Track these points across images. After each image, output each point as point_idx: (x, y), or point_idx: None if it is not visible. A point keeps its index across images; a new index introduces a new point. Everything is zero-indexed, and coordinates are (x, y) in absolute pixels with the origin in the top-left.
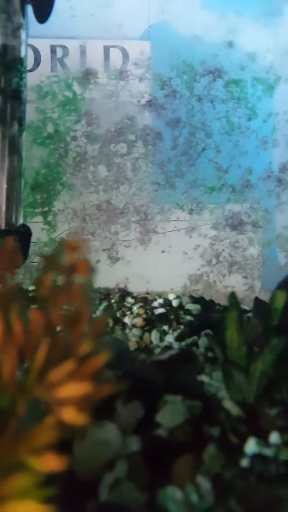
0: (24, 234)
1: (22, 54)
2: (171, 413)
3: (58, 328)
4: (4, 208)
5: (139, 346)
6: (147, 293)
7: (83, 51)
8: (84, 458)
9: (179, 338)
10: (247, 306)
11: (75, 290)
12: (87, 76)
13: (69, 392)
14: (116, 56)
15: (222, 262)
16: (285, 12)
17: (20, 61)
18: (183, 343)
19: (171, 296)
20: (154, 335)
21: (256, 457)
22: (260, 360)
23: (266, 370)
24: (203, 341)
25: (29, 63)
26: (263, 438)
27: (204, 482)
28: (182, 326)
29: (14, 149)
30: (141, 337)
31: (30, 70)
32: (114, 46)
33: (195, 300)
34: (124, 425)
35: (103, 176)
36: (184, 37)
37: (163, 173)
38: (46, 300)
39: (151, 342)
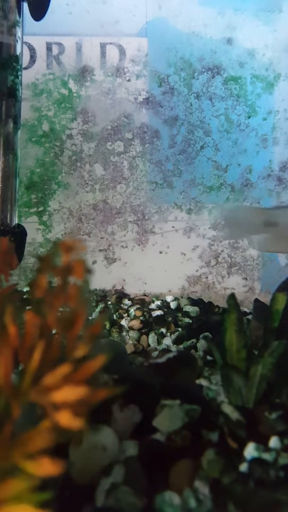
0: (19, 235)
1: (18, 51)
2: (169, 418)
3: (54, 331)
4: None
5: (136, 349)
6: (145, 294)
7: (79, 48)
8: (80, 463)
9: (177, 341)
10: (246, 308)
11: (71, 292)
12: (83, 73)
13: (65, 396)
14: (112, 53)
15: (221, 263)
16: (284, 8)
17: (16, 58)
18: (181, 346)
19: (169, 298)
20: (152, 338)
21: (255, 462)
22: (260, 363)
23: (266, 373)
24: (201, 344)
25: (25, 60)
26: (262, 442)
27: (202, 487)
28: (180, 329)
29: (9, 147)
30: (138, 340)
31: (26, 68)
32: (110, 43)
33: (193, 302)
34: (121, 429)
35: (99, 175)
36: (182, 34)
37: (160, 172)
38: (41, 302)
39: (149, 345)
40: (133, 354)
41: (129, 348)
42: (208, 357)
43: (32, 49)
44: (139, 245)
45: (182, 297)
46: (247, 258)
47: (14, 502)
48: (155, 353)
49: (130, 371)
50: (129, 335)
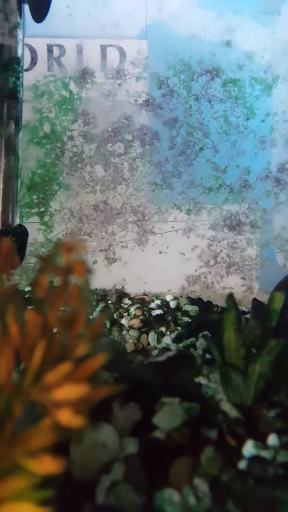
0: (20, 235)
1: (19, 53)
2: (169, 415)
3: (55, 330)
4: (0, 208)
5: (136, 347)
6: (145, 294)
7: (79, 50)
8: (81, 461)
9: (176, 340)
10: (245, 307)
11: (71, 292)
12: (84, 75)
13: (66, 394)
14: (113, 55)
15: (220, 263)
16: (283, 11)
17: (17, 60)
18: (180, 345)
19: (168, 297)
20: (152, 337)
21: (254, 459)
22: (258, 362)
23: (264, 372)
24: (201, 343)
25: (26, 62)
26: (261, 440)
27: (201, 485)
28: (179, 328)
29: (11, 149)
30: (138, 339)
31: (27, 70)
32: (111, 45)
33: (192, 301)
34: (121, 427)
35: (100, 176)
36: (181, 36)
37: (160, 173)
38: (42, 301)
39: (149, 344)
40: (133, 353)
41: (129, 347)
42: (207, 356)
43: (33, 51)
44: (139, 245)
45: (181, 297)
46: (245, 258)
47: (15, 500)
48: (155, 352)
49: (130, 370)
50: (129, 334)
